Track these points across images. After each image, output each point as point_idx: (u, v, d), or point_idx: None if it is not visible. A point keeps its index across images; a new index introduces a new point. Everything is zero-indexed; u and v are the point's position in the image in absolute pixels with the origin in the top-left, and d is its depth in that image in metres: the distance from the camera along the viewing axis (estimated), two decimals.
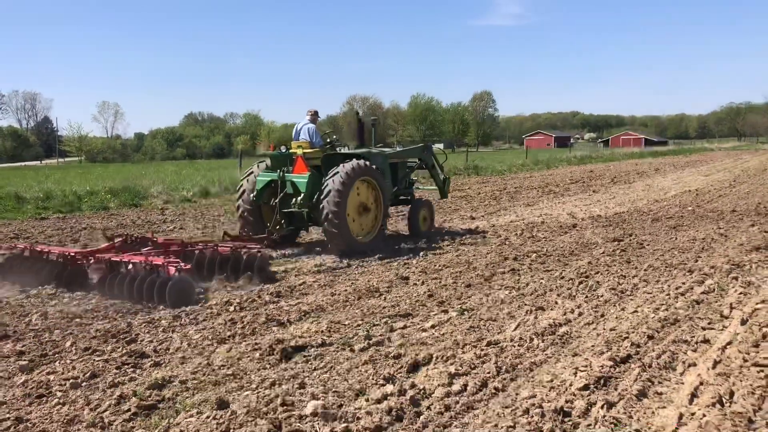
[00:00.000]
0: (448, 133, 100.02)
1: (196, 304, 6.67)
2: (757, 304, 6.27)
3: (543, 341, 5.26)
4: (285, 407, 3.97)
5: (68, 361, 4.94)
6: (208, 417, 3.85)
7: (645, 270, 8.01)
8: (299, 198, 9.84)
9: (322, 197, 9.41)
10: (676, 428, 3.71)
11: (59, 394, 4.29)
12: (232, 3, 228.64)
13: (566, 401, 4.03)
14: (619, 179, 25.38)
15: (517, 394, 4.20)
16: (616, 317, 5.98)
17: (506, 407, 3.99)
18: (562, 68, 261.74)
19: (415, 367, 4.72)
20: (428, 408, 3.99)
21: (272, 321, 6.00)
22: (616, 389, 4.26)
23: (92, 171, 37.90)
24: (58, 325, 5.93)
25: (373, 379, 4.47)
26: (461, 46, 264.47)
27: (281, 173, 9.99)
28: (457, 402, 4.07)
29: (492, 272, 8.11)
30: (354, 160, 9.80)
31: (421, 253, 9.74)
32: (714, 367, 4.62)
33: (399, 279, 7.87)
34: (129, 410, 3.99)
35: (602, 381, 4.38)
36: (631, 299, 6.64)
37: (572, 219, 13.52)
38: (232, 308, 6.50)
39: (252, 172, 10.53)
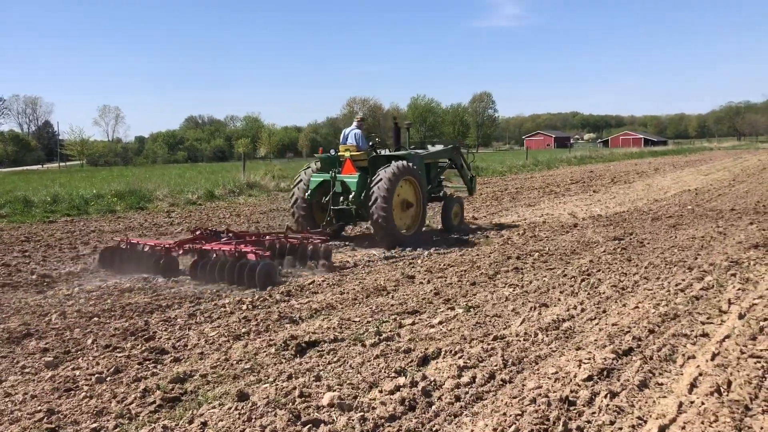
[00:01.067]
0: (449, 134, 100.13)
1: (280, 285, 7.57)
2: (754, 299, 6.45)
3: (547, 336, 5.45)
4: (303, 398, 4.17)
5: (91, 358, 5.14)
6: (229, 408, 4.05)
7: (645, 267, 8.20)
8: (350, 196, 10.63)
9: (371, 194, 10.15)
10: (675, 417, 3.90)
11: (86, 388, 4.49)
12: (231, 7, 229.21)
13: (571, 391, 4.22)
14: (619, 179, 25.58)
15: (523, 385, 4.38)
16: (618, 313, 6.16)
17: (514, 397, 4.18)
18: (561, 69, 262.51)
19: (425, 361, 4.91)
20: (439, 398, 4.18)
21: (285, 318, 6.20)
22: (618, 380, 4.45)
23: (96, 174, 38.07)
24: (78, 324, 6.13)
25: (385, 372, 4.66)
26: (461, 48, 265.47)
27: (333, 174, 10.79)
28: (467, 393, 4.26)
29: (496, 271, 8.30)
30: (398, 161, 10.56)
31: (426, 253, 9.95)
32: (712, 359, 4.81)
33: (405, 278, 8.06)
34: (154, 402, 4.18)
35: (605, 372, 4.56)
36: (632, 295, 6.83)
37: (573, 219, 13.72)
38: (245, 306, 6.69)
39: (309, 167, 11.35)
